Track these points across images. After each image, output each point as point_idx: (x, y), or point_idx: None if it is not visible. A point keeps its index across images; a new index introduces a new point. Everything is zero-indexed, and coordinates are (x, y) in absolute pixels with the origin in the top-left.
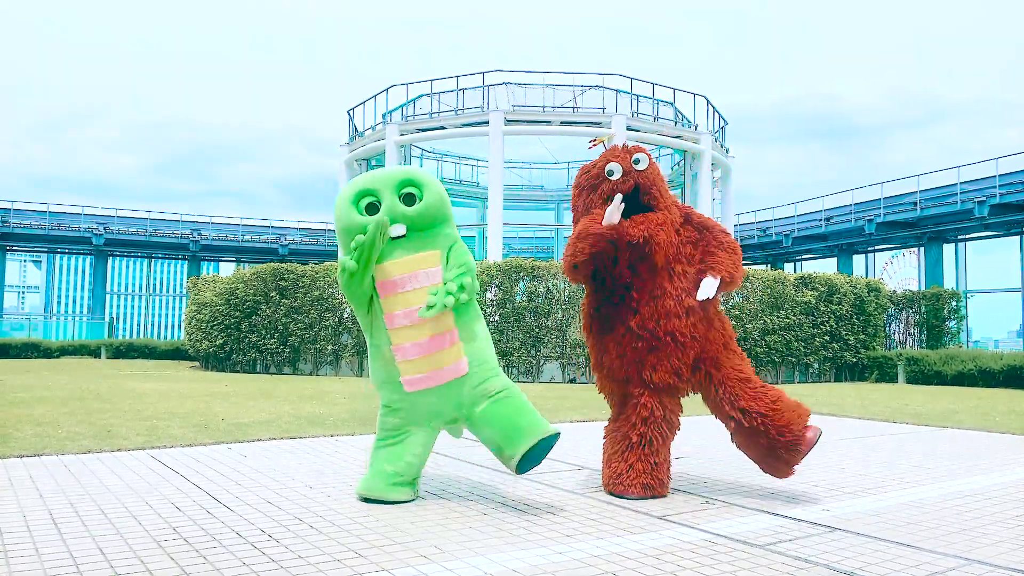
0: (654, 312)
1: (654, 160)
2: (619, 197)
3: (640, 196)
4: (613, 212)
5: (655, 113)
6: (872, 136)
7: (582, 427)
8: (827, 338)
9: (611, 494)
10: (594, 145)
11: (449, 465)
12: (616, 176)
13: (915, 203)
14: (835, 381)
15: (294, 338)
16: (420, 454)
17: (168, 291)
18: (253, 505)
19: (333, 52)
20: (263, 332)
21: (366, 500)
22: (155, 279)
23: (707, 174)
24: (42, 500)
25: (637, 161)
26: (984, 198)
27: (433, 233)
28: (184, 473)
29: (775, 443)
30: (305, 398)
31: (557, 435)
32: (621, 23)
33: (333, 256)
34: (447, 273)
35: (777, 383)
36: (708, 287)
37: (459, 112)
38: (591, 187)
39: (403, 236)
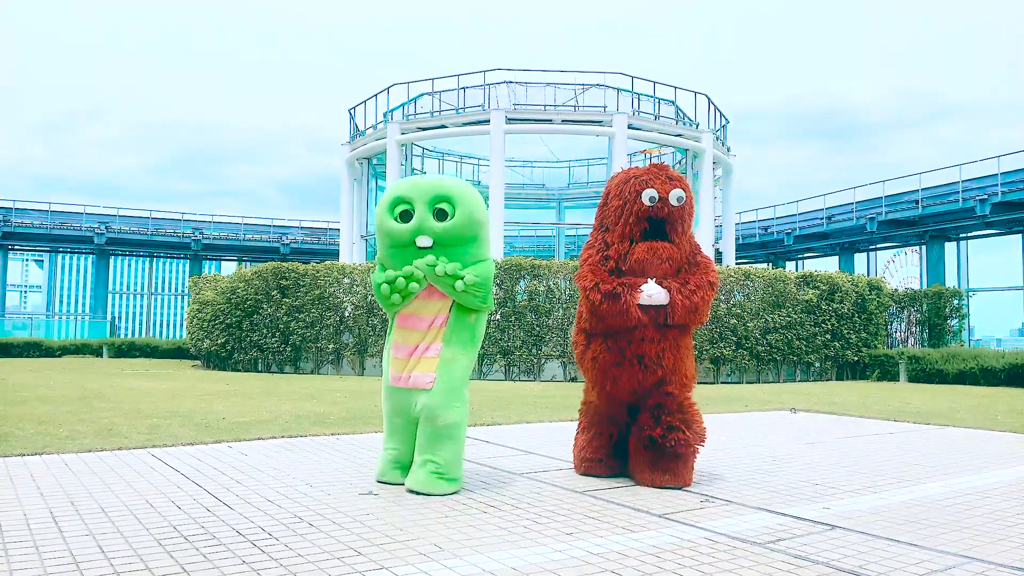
0: (627, 333)
1: (691, 194)
2: (651, 286)
3: (664, 225)
4: (644, 298)
5: (656, 112)
6: (874, 135)
7: None
8: (828, 336)
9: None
10: (645, 152)
11: None
12: (656, 202)
13: (917, 201)
14: (836, 379)
15: (295, 337)
16: (406, 442)
17: (170, 290)
18: (254, 503)
19: (334, 52)
20: (264, 331)
21: (381, 483)
22: (157, 278)
23: (708, 173)
24: (43, 499)
25: (680, 199)
26: (986, 196)
27: (459, 251)
28: (185, 472)
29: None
30: (306, 397)
31: (447, 495)
32: (622, 22)
33: (334, 255)
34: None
35: (778, 382)
36: (650, 292)
37: (460, 111)
38: (629, 201)
39: (430, 248)
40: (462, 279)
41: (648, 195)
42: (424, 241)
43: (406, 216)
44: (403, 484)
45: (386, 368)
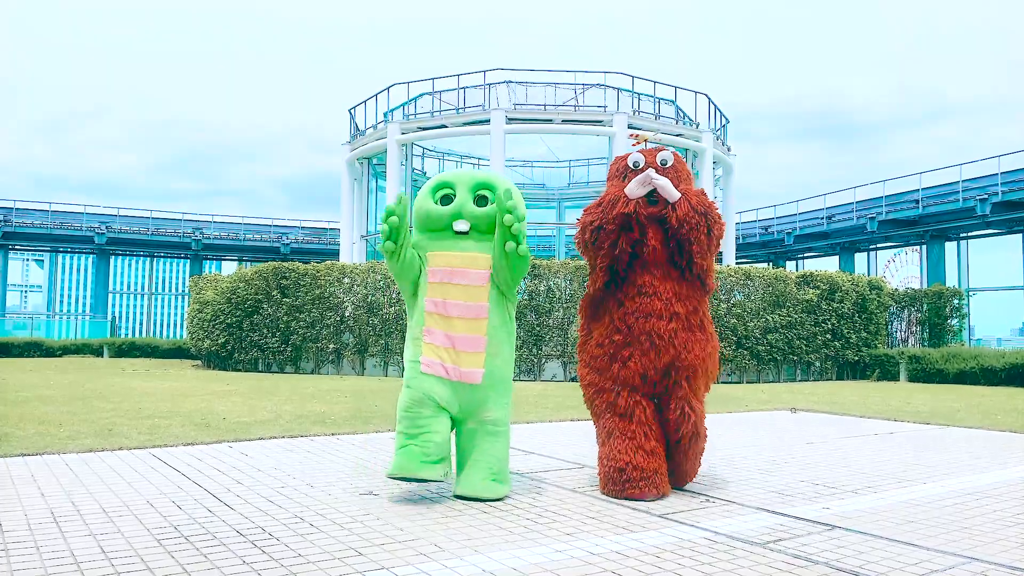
0: (638, 308)
1: (681, 160)
2: (651, 171)
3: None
4: (636, 186)
5: (656, 111)
6: (874, 134)
7: (583, 426)
8: (829, 336)
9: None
10: (635, 140)
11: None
12: (640, 167)
13: (917, 201)
14: (837, 379)
15: (296, 337)
16: (443, 432)
17: (170, 290)
18: (254, 503)
19: (334, 51)
20: (265, 331)
21: (400, 479)
22: (157, 278)
23: (709, 172)
24: (43, 498)
25: (664, 162)
26: (986, 196)
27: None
28: (185, 472)
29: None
30: (306, 397)
31: (502, 498)
32: (622, 22)
33: (335, 255)
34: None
35: (779, 381)
36: (649, 176)
37: (460, 111)
38: (620, 176)
39: (466, 233)
40: (519, 222)
41: (632, 159)
42: (461, 225)
43: (447, 200)
44: (429, 480)
45: (413, 353)
